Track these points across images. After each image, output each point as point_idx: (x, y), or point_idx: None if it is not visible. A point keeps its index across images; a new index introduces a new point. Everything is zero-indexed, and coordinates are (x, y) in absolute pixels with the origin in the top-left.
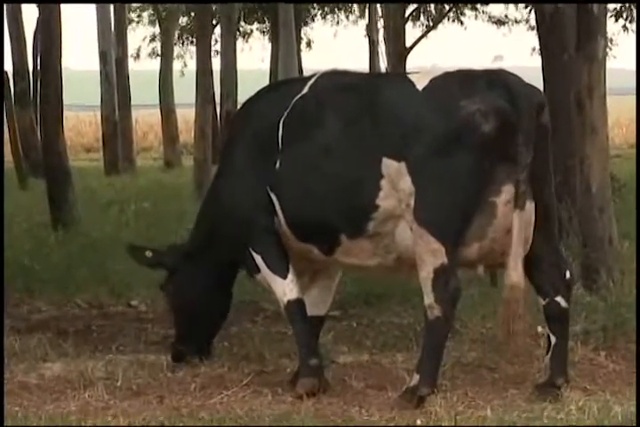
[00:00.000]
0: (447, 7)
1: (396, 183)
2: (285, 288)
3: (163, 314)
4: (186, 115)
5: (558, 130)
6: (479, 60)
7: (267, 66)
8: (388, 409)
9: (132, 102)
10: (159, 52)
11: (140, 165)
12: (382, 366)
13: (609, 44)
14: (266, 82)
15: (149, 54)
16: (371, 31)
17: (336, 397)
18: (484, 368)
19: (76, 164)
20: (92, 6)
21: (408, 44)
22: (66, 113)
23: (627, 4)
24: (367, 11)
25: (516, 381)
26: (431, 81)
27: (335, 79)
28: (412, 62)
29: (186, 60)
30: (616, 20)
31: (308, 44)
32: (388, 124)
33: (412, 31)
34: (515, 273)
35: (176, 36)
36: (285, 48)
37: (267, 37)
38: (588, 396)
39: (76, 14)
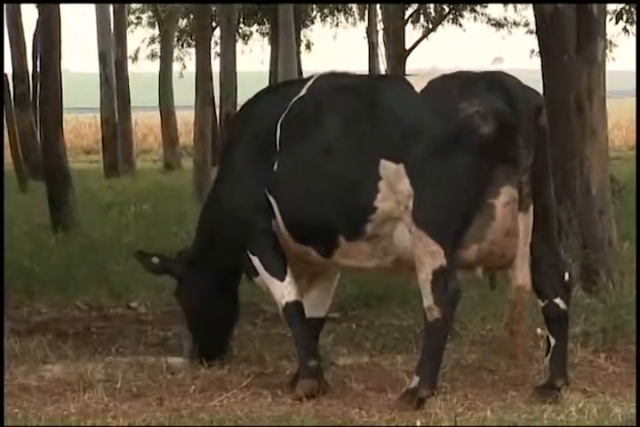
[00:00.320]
0: (447, 9)
1: (394, 185)
2: (283, 291)
3: (162, 316)
4: (185, 117)
5: (558, 132)
6: (479, 62)
7: (266, 68)
8: (387, 411)
9: (132, 104)
10: (159, 54)
11: (139, 167)
12: (382, 368)
13: (609, 45)
14: (265, 84)
15: (148, 56)
16: (370, 33)
17: (336, 398)
18: (484, 370)
19: (76, 166)
20: (92, 9)
21: (407, 46)
22: (65, 115)
23: (627, 6)
24: (367, 13)
25: (515, 382)
26: (429, 83)
27: (333, 81)
28: (412, 64)
29: (185, 62)
30: (616, 22)
31: (308, 46)
32: (386, 126)
33: (411, 33)
34: (521, 274)
35: (175, 38)
36: (285, 50)
37: (266, 39)
38: (587, 397)
39: (75, 17)
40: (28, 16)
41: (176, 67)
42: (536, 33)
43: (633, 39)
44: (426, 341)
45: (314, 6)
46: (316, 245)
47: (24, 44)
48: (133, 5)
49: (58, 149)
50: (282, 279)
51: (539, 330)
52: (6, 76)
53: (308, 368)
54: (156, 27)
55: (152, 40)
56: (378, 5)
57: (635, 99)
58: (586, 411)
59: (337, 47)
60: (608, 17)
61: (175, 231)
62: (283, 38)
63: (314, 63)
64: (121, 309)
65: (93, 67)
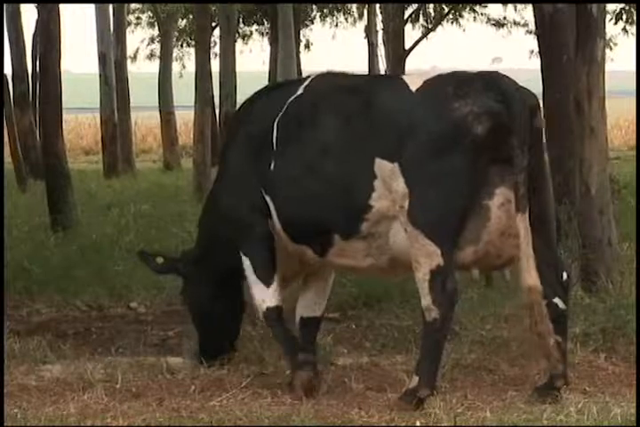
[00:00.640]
0: (446, 9)
1: (389, 184)
2: (266, 296)
3: (162, 316)
4: (185, 117)
5: (557, 132)
6: (478, 62)
7: (266, 68)
8: (387, 411)
9: (132, 105)
10: (158, 55)
11: (139, 167)
12: (382, 368)
13: (608, 45)
14: (265, 84)
15: (148, 56)
16: (370, 33)
17: (335, 398)
18: (484, 370)
19: (76, 166)
20: (92, 10)
21: (407, 45)
22: (65, 115)
23: (627, 7)
24: (366, 13)
25: (515, 383)
26: (425, 83)
27: (330, 81)
28: (411, 64)
29: (185, 63)
30: (616, 23)
31: (307, 46)
32: (381, 126)
33: (411, 33)
34: (529, 276)
35: (175, 38)
36: (284, 50)
37: (266, 39)
38: (587, 398)
39: (75, 18)
40: (27, 16)
41: (176, 67)
42: (535, 33)
43: (633, 39)
44: (425, 341)
45: (313, 6)
46: (312, 245)
47: (24, 44)
48: (133, 5)
49: (57, 149)
50: (268, 285)
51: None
52: (6, 76)
53: (298, 361)
54: (156, 27)
55: (152, 40)
56: (377, 5)
57: (635, 99)
58: (585, 411)
59: (336, 47)
60: (608, 17)
61: (175, 231)
62: (282, 38)
63: (313, 63)
64: (120, 309)
65: (93, 67)
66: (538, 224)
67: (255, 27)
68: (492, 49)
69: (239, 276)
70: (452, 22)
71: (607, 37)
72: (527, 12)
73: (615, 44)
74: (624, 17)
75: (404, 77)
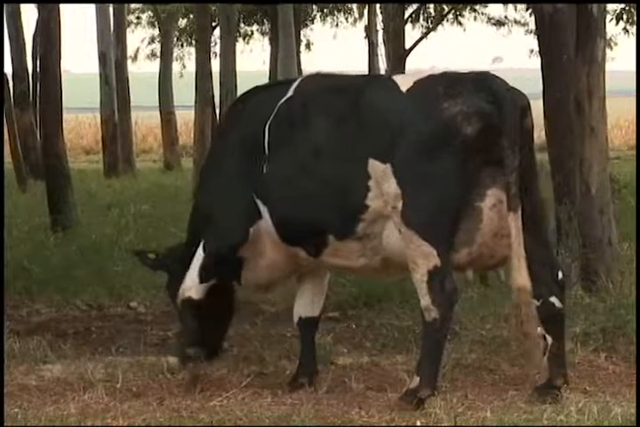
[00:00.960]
0: (446, 9)
1: (382, 185)
2: (195, 288)
3: (162, 316)
4: (185, 117)
5: (558, 131)
6: (479, 62)
7: (266, 67)
8: (387, 411)
9: (132, 104)
10: (158, 54)
11: (139, 167)
12: (382, 368)
13: (609, 45)
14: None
15: (148, 56)
16: (370, 33)
17: (336, 398)
18: (484, 370)
19: (76, 166)
20: (92, 10)
21: (407, 45)
22: (65, 115)
23: (627, 6)
24: (366, 12)
25: (515, 382)
26: (415, 83)
27: (319, 82)
28: (412, 64)
29: (185, 62)
30: (617, 23)
31: (308, 46)
32: (373, 127)
33: (411, 33)
34: (520, 276)
35: (175, 37)
36: (285, 50)
37: (267, 39)
38: (587, 397)
39: (76, 18)
40: (27, 16)
41: (176, 67)
42: (536, 33)
43: (633, 39)
44: (425, 341)
45: (314, 6)
46: (306, 246)
47: (24, 43)
48: (133, 5)
49: (58, 148)
50: (201, 282)
51: (538, 329)
52: (6, 75)
53: (187, 355)
54: (156, 26)
55: (152, 40)
56: (377, 5)
57: (635, 99)
58: (586, 411)
59: (337, 47)
60: (608, 17)
61: (174, 231)
62: (282, 38)
63: (314, 63)
64: (120, 308)
65: (93, 67)
66: (530, 224)
67: (256, 26)
68: (493, 48)
69: (227, 274)
70: (453, 22)
71: (607, 37)
72: (527, 11)
73: (615, 44)
74: (624, 17)
75: (395, 78)
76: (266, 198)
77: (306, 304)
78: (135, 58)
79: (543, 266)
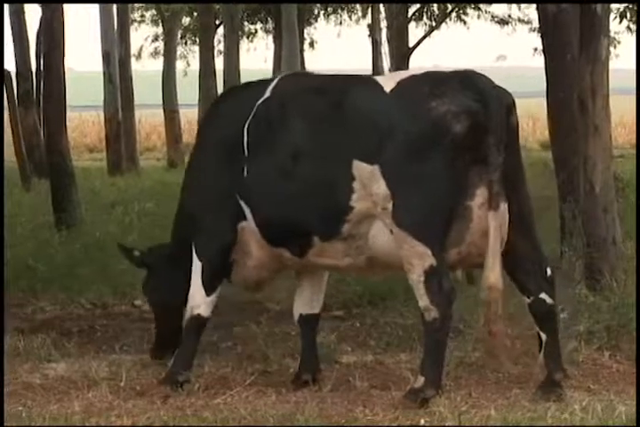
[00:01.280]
0: (450, 7)
1: (369, 187)
2: (202, 304)
3: None
4: (189, 115)
5: (561, 130)
6: (482, 60)
7: (270, 65)
8: (392, 409)
9: (136, 103)
10: (162, 52)
11: (143, 165)
12: (386, 366)
13: (612, 43)
14: None
15: (152, 54)
16: (373, 31)
17: (340, 397)
18: (488, 368)
19: (80, 164)
20: (96, 8)
21: (411, 43)
22: (69, 113)
23: (630, 5)
24: (370, 11)
25: (519, 380)
26: (398, 83)
27: (298, 82)
28: (415, 62)
29: (189, 60)
30: (620, 21)
31: (312, 44)
32: (356, 127)
33: (414, 31)
34: (492, 274)
35: (179, 35)
36: (288, 48)
37: (270, 37)
38: (591, 396)
39: (79, 16)
40: (31, 15)
41: (180, 65)
42: (539, 31)
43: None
44: (427, 341)
45: (317, 4)
46: (290, 246)
47: (27, 42)
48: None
49: (61, 147)
50: (208, 294)
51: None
52: (10, 74)
53: (180, 378)
54: (160, 24)
55: (155, 38)
56: (381, 4)
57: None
58: (590, 409)
59: (341, 45)
60: (612, 15)
61: None
62: (286, 36)
63: (318, 61)
64: (125, 307)
65: (97, 65)
66: (518, 221)
67: (259, 25)
68: (496, 46)
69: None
70: (456, 20)
71: (611, 35)
72: (531, 9)
73: (619, 43)
74: (628, 15)
75: (377, 78)
76: (248, 199)
77: (305, 302)
78: (139, 56)
79: (531, 263)
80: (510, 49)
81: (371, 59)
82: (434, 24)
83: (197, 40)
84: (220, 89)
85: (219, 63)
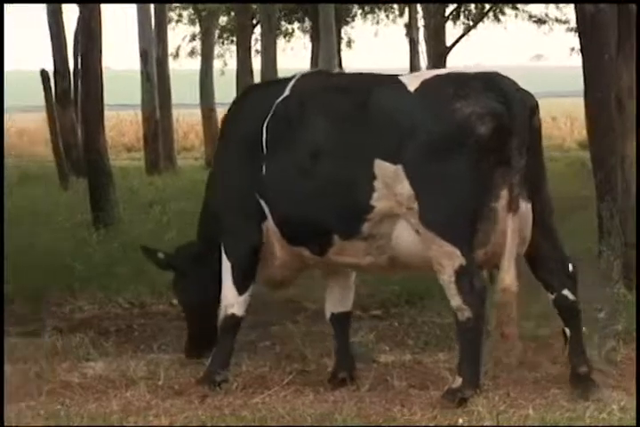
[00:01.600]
0: (487, 6)
1: (392, 186)
2: (235, 303)
3: None
4: None
5: (599, 129)
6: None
7: (307, 65)
8: (430, 409)
9: (173, 102)
10: (199, 52)
11: (180, 164)
12: (424, 366)
13: None
14: None
15: (189, 53)
16: (411, 30)
17: (378, 396)
18: (526, 368)
19: (117, 163)
20: (134, 7)
21: (448, 43)
22: (107, 112)
23: None
24: (407, 10)
25: (558, 380)
26: (423, 83)
27: (318, 81)
28: (452, 61)
29: (226, 60)
30: None
31: (349, 44)
32: (380, 127)
33: (452, 30)
34: (508, 276)
35: (216, 35)
36: (326, 47)
37: (308, 36)
38: (630, 395)
39: (117, 15)
40: (69, 14)
41: (217, 64)
42: (577, 31)
43: None
44: (461, 341)
45: (355, 4)
46: (310, 245)
47: (65, 41)
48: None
49: (99, 146)
50: (241, 293)
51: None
52: (48, 73)
53: (212, 380)
54: (197, 24)
55: (193, 37)
56: (418, 3)
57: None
58: (628, 409)
59: (378, 44)
60: None
61: None
62: (323, 36)
63: (355, 60)
64: (162, 306)
65: (134, 64)
66: (540, 220)
67: (297, 24)
68: (534, 46)
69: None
70: (493, 20)
71: None
72: (569, 8)
73: None
74: None
75: (401, 77)
76: (267, 198)
77: (335, 300)
78: (176, 55)
79: (554, 262)
80: (547, 48)
81: (408, 58)
82: (471, 23)
83: (234, 39)
84: None
85: (256, 62)
